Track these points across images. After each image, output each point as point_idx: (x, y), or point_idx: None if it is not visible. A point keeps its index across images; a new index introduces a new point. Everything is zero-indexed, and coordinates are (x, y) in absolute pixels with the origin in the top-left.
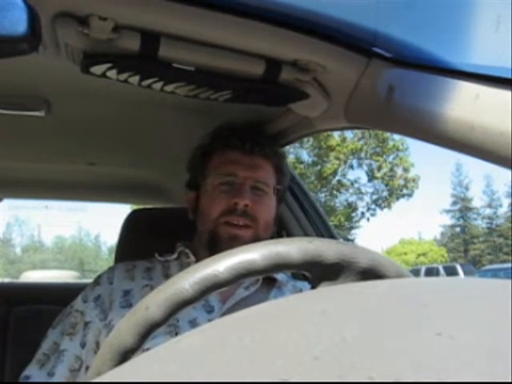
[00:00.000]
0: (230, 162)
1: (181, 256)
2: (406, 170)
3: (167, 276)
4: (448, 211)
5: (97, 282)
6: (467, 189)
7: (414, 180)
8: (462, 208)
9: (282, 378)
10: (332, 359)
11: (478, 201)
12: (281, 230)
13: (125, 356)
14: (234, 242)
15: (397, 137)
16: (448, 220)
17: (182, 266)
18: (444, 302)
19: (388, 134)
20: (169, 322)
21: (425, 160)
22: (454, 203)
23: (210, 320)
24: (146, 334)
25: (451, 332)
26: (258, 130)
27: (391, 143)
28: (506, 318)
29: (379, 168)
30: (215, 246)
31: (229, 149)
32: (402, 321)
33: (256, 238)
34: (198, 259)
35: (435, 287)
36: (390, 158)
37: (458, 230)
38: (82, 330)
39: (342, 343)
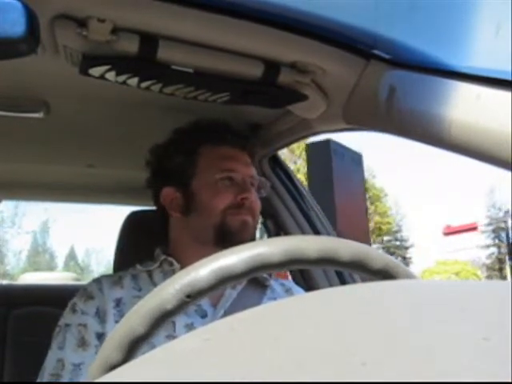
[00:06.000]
0: (228, 158)
1: (163, 264)
2: (381, 214)
3: (155, 284)
4: (483, 231)
5: (87, 294)
6: (501, 210)
7: (388, 223)
8: (496, 228)
9: (284, 379)
10: (380, 364)
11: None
12: (279, 231)
13: (134, 344)
14: (245, 229)
15: (378, 185)
16: (483, 240)
17: (166, 275)
18: (482, 306)
19: (371, 183)
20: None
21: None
22: (489, 224)
23: (205, 324)
24: (157, 323)
25: (497, 337)
26: (237, 123)
27: (373, 191)
28: None
29: None
30: (225, 237)
31: (221, 144)
32: (444, 324)
33: (255, 229)
34: (182, 262)
35: (469, 290)
36: (368, 204)
37: (493, 249)
38: (94, 340)
39: (389, 347)
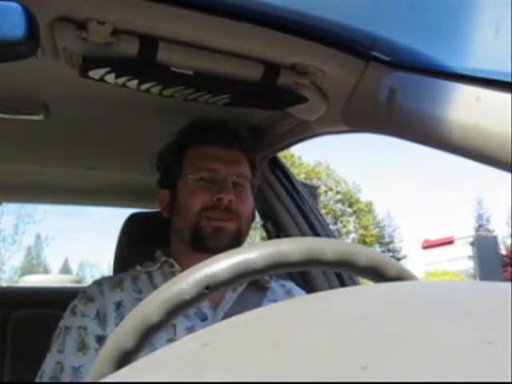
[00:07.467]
0: (209, 157)
1: (163, 265)
2: (365, 227)
3: (155, 286)
4: (472, 243)
5: (88, 297)
6: (488, 221)
7: (372, 235)
8: None
9: (284, 381)
10: (380, 367)
11: (500, 232)
12: (279, 232)
13: (147, 332)
14: (219, 235)
15: (363, 199)
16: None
17: (166, 277)
18: (484, 308)
19: (356, 197)
20: (167, 326)
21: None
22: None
23: (205, 327)
24: (173, 313)
25: (501, 341)
26: (234, 124)
27: (357, 205)
28: None
29: (344, 226)
30: (199, 240)
31: (206, 143)
32: (446, 327)
33: (239, 231)
34: (182, 264)
35: (471, 291)
36: (354, 218)
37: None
38: (94, 343)
39: (390, 350)
